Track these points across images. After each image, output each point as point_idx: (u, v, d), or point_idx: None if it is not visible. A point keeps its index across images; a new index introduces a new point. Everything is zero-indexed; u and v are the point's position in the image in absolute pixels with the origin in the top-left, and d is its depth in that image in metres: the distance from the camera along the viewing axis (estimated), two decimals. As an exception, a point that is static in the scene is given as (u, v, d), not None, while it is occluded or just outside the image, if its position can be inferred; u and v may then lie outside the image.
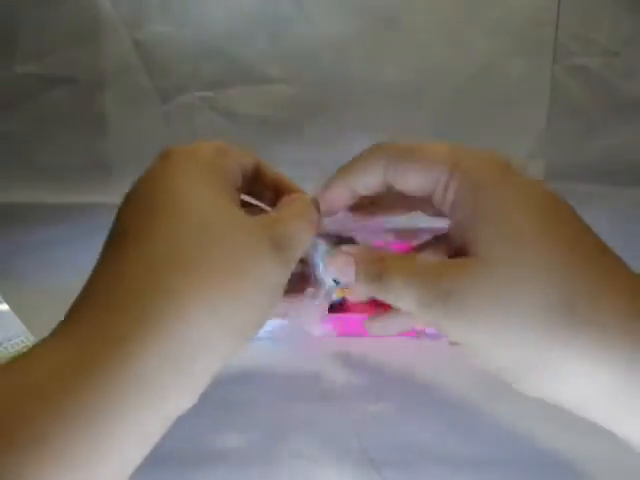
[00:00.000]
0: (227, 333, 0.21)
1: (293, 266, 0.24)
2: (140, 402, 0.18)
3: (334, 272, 0.26)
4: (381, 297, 0.24)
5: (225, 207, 0.22)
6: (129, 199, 0.23)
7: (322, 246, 0.27)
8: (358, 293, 0.28)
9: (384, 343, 0.51)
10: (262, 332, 0.25)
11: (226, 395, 0.42)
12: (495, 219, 0.21)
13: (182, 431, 0.39)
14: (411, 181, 0.24)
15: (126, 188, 0.23)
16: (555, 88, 0.58)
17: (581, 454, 0.38)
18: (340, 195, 0.27)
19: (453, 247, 0.25)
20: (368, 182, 0.26)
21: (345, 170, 0.26)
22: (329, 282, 0.28)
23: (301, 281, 0.29)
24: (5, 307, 0.46)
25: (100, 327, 0.18)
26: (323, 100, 0.57)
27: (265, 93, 0.58)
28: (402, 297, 0.23)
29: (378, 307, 0.56)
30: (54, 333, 0.20)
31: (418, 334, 0.53)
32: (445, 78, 0.58)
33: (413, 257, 0.27)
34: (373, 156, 0.25)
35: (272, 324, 0.34)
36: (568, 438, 0.39)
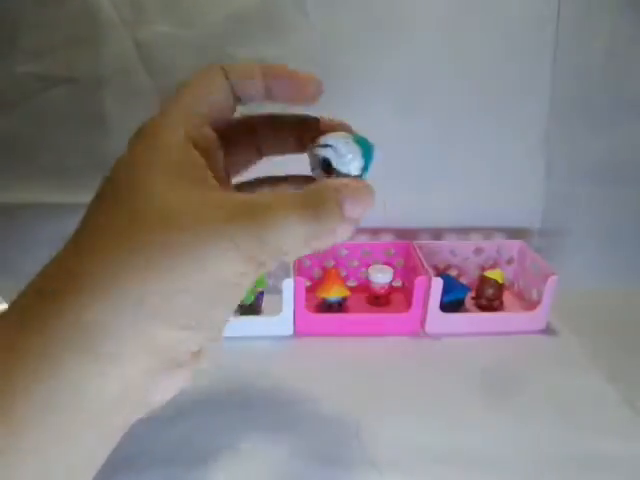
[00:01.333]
0: (157, 324, 0.20)
1: (269, 267, 0.22)
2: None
3: None
4: None
5: (182, 195, 0.21)
6: (100, 189, 0.23)
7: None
8: None
9: (384, 343, 0.51)
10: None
11: (226, 395, 0.42)
12: None
13: (182, 432, 0.39)
14: None
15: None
16: (555, 88, 0.58)
17: (580, 454, 0.38)
18: None
19: None
20: None
21: None
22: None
23: None
24: (5, 307, 0.46)
25: (28, 309, 0.20)
26: (323, 100, 0.57)
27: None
28: None
29: (378, 307, 0.56)
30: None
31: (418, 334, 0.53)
32: (445, 78, 0.57)
33: None
34: None
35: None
36: (568, 438, 0.39)
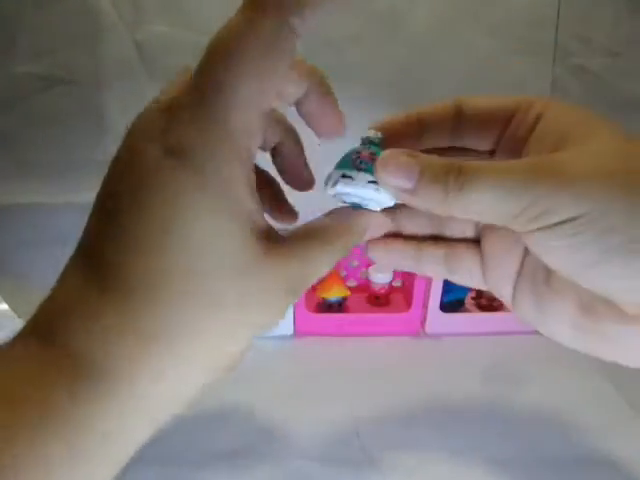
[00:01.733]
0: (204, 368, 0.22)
1: None
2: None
3: (389, 176, 0.20)
4: (458, 210, 0.20)
5: (240, 247, 0.18)
6: (115, 200, 0.19)
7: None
8: (420, 204, 0.21)
9: (384, 343, 0.51)
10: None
11: (226, 395, 0.42)
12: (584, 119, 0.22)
13: (182, 431, 0.39)
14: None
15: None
16: (555, 88, 0.58)
17: (580, 454, 0.38)
18: (404, 125, 0.24)
19: None
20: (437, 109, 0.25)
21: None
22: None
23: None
24: (5, 307, 0.46)
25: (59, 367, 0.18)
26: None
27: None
28: (495, 207, 0.19)
29: (378, 307, 0.56)
30: (17, 340, 0.19)
31: (418, 334, 0.53)
32: (445, 79, 0.57)
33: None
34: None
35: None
36: (568, 437, 0.39)
